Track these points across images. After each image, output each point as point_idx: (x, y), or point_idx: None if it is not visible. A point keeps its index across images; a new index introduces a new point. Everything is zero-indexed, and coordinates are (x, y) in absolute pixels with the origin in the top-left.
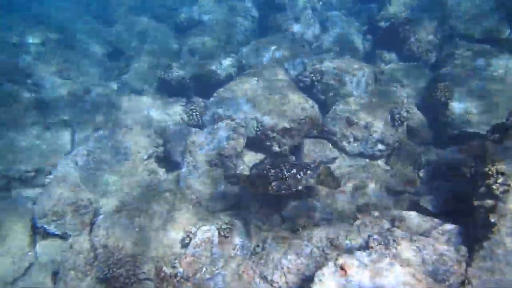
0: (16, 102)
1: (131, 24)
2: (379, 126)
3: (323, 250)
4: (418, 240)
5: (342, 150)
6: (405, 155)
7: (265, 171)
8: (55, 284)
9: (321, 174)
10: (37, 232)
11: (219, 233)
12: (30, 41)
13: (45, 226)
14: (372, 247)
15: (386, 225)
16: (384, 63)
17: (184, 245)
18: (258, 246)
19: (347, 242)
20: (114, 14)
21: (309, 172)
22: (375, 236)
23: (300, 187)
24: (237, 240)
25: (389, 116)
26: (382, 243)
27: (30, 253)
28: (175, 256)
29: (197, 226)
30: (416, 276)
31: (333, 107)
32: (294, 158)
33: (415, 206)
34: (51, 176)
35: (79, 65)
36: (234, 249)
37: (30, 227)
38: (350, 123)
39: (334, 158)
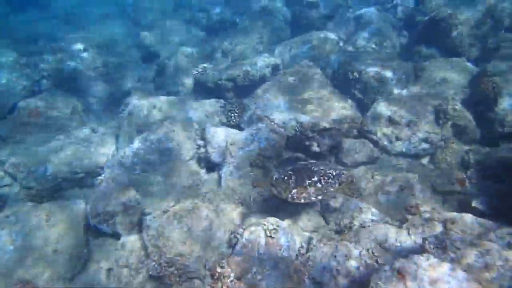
0: (65, 105)
1: (164, 28)
2: (422, 124)
3: (373, 253)
4: (479, 244)
5: (383, 149)
6: (451, 154)
7: (286, 177)
8: (109, 280)
9: (343, 182)
10: (90, 231)
11: (265, 233)
12: (76, 47)
13: (98, 225)
14: (428, 251)
15: (438, 227)
16: (423, 59)
17: (231, 246)
18: (302, 247)
19: (398, 244)
20: (147, 18)
21: (330, 180)
22: (431, 239)
23: (320, 197)
24: (283, 240)
25: (433, 113)
26: (439, 246)
27: (85, 251)
28: (222, 256)
29: (243, 227)
30: (482, 283)
31: (373, 106)
32: (333, 158)
33: (464, 207)
34: (100, 177)
35: (119, 69)
36: (280, 250)
37: (83, 226)
38: (391, 122)
39: (376, 158)
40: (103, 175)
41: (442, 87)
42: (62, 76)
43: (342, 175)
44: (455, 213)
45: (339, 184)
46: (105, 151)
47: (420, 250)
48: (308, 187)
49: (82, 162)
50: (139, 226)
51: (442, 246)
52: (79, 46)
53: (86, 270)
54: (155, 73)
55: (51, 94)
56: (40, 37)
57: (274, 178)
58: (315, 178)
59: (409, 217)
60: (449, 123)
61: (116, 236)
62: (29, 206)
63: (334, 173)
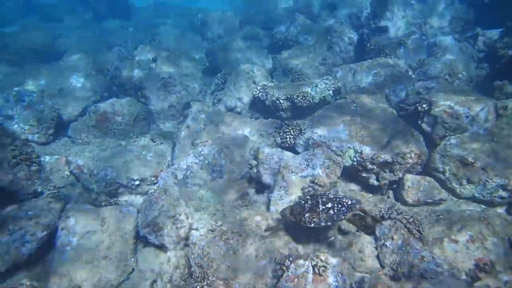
0: (129, 113)
1: (228, 43)
2: (502, 169)
3: None
4: None
5: (451, 191)
6: None
7: (303, 201)
8: None
9: (356, 213)
10: (139, 240)
11: (313, 270)
12: (145, 57)
13: (147, 235)
14: None
15: None
16: (505, 96)
17: (275, 277)
18: None
19: None
20: (214, 32)
21: (343, 208)
22: None
23: (329, 223)
24: (332, 279)
25: None
26: None
27: (132, 259)
28: (266, 286)
29: (290, 259)
30: None
31: (443, 142)
32: (392, 194)
33: None
34: (154, 187)
35: (181, 80)
36: None
37: (133, 234)
38: (464, 162)
39: (441, 199)
40: (156, 185)
41: None
42: (130, 83)
43: (356, 206)
44: None
45: (352, 215)
46: (161, 161)
47: None
48: (320, 212)
49: (139, 169)
50: (186, 242)
51: None
52: (149, 55)
53: (131, 280)
54: (215, 87)
55: (119, 100)
56: (116, 44)
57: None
58: (329, 205)
59: (482, 275)
60: None
61: (164, 248)
62: (88, 209)
63: (349, 203)
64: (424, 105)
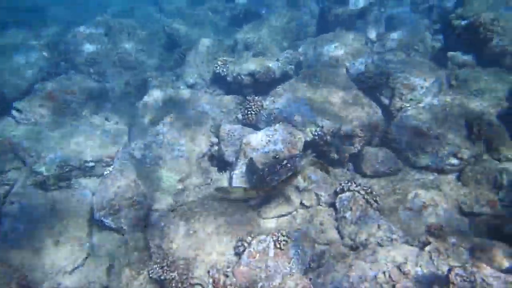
0: (81, 91)
1: (188, 16)
2: (452, 138)
3: (389, 276)
4: None
5: (407, 161)
6: (482, 172)
7: (261, 172)
8: (109, 278)
9: (308, 160)
10: (94, 224)
11: (274, 244)
12: (93, 31)
13: (103, 219)
14: (454, 284)
15: (464, 255)
16: (458, 66)
17: (238, 253)
18: (313, 261)
19: (418, 269)
20: (172, 5)
21: (297, 158)
22: (459, 271)
23: (289, 173)
24: (293, 253)
25: (465, 127)
26: (468, 280)
27: (87, 244)
28: (228, 264)
29: (252, 235)
30: None
31: (400, 114)
32: (352, 167)
33: (495, 233)
34: (109, 168)
35: (138, 56)
36: (289, 263)
37: (88, 218)
38: (419, 132)
39: (398, 170)
40: (112, 166)
41: (478, 99)
42: (81, 59)
43: (308, 152)
44: (485, 240)
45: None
46: (117, 141)
47: (445, 280)
48: (279, 170)
49: (93, 151)
50: (145, 222)
51: (471, 281)
52: (100, 29)
53: (87, 265)
54: (175, 62)
55: (68, 77)
56: (65, 20)
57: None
58: (285, 161)
59: (432, 239)
60: (483, 138)
61: (121, 231)
62: (36, 194)
63: (300, 153)
64: (382, 78)
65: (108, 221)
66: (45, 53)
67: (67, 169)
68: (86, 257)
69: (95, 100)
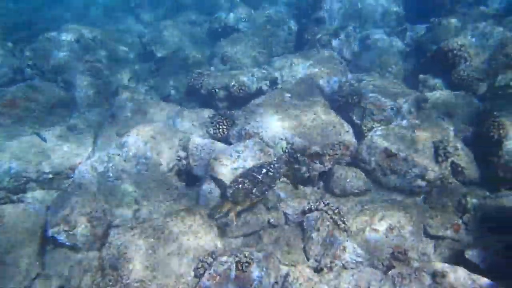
0: (46, 99)
1: (165, 27)
2: (420, 160)
3: None
4: None
5: (376, 181)
6: (447, 195)
7: (240, 185)
8: None
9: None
10: (47, 241)
11: (236, 266)
12: (63, 37)
13: (56, 235)
14: None
15: (427, 280)
16: (428, 89)
17: (198, 275)
18: (276, 283)
19: None
20: (150, 14)
21: (277, 165)
22: None
23: (273, 184)
24: (256, 275)
25: (432, 149)
26: None
27: (37, 263)
28: (187, 287)
29: (213, 256)
30: None
31: (370, 134)
32: (322, 185)
33: (457, 257)
34: (68, 181)
35: (110, 65)
36: (251, 285)
37: (40, 235)
38: (387, 153)
39: (367, 190)
40: (71, 179)
41: (444, 122)
42: (48, 66)
43: (282, 157)
44: (446, 265)
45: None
46: (80, 152)
47: None
48: (262, 180)
49: (53, 161)
50: (103, 240)
51: None
52: (71, 36)
53: (34, 285)
54: (148, 73)
55: (32, 84)
56: (35, 24)
57: (229, 194)
58: (264, 170)
59: (396, 263)
60: (449, 161)
61: (76, 249)
62: None
63: (276, 160)
64: (354, 97)
65: (62, 238)
66: (10, 58)
67: (22, 181)
68: (35, 278)
69: (60, 109)
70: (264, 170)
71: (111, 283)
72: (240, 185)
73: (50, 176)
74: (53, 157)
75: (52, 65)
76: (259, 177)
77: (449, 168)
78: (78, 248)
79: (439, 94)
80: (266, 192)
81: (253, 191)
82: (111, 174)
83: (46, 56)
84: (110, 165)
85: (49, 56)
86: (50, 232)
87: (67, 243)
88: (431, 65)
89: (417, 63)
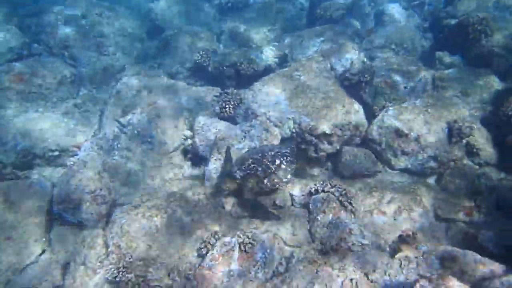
0: (52, 74)
1: (175, 2)
2: (433, 140)
3: (356, 284)
4: None
5: (386, 163)
6: (461, 177)
7: (252, 171)
8: (64, 276)
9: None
10: (53, 218)
11: (239, 247)
12: (70, 12)
13: (62, 212)
14: None
15: (435, 264)
16: (445, 66)
17: (201, 255)
18: (281, 264)
19: (386, 278)
20: None
21: (289, 158)
22: (424, 283)
23: (289, 176)
24: (259, 256)
25: (446, 129)
26: None
27: (44, 239)
28: (190, 266)
29: (216, 236)
30: None
31: (381, 114)
32: (331, 166)
33: (469, 241)
34: (73, 159)
35: (117, 41)
36: (254, 266)
37: (46, 211)
38: (399, 133)
39: (376, 171)
40: (77, 156)
41: (461, 101)
42: (55, 41)
43: (293, 146)
44: (456, 249)
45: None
46: (85, 130)
47: None
48: (275, 171)
49: (60, 139)
50: (107, 218)
51: None
52: (78, 11)
53: (41, 262)
54: (156, 50)
55: (40, 60)
56: None
57: (239, 177)
58: (277, 161)
59: (404, 246)
60: (463, 142)
61: (81, 227)
62: None
63: (288, 149)
64: (366, 76)
65: (67, 215)
66: (17, 33)
67: (29, 157)
68: (41, 254)
69: (67, 85)
70: (278, 161)
71: (114, 262)
72: (252, 171)
73: (56, 153)
74: (60, 134)
75: (59, 40)
76: (272, 167)
77: (464, 149)
78: (83, 225)
79: (457, 71)
80: (277, 186)
81: (265, 181)
82: (117, 153)
83: (53, 32)
84: (115, 143)
85: (55, 32)
86: (56, 209)
87: (72, 220)
88: (449, 41)
89: (435, 39)
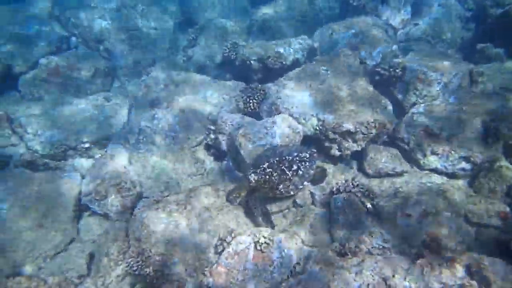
0: (87, 67)
1: None
2: (466, 140)
3: None
4: None
5: (414, 163)
6: (496, 179)
7: (267, 176)
8: (89, 266)
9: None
10: (82, 208)
11: (255, 246)
12: (105, 6)
13: (89, 204)
14: None
15: (460, 272)
16: (486, 60)
17: (218, 252)
18: (298, 264)
19: (406, 284)
20: None
21: (307, 164)
22: None
23: (305, 182)
24: (276, 255)
25: (482, 128)
26: None
27: (73, 229)
28: (206, 263)
29: (233, 234)
30: None
31: (411, 111)
32: (355, 165)
33: (502, 249)
34: (101, 152)
35: (149, 33)
36: (271, 266)
37: (75, 202)
38: (429, 132)
39: (403, 171)
40: (105, 149)
41: (500, 98)
42: (91, 35)
43: (314, 154)
44: (484, 257)
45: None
46: (115, 123)
47: None
48: (291, 177)
49: (91, 131)
50: (131, 211)
51: None
52: (113, 4)
53: (69, 250)
54: (187, 43)
55: (76, 53)
56: None
57: (253, 180)
58: (295, 167)
59: (427, 252)
60: (501, 142)
61: (108, 218)
62: (21, 173)
63: (307, 155)
64: (397, 70)
65: (94, 206)
66: (56, 27)
67: (62, 149)
68: (70, 242)
69: (101, 78)
70: (295, 167)
71: (133, 255)
72: (267, 176)
73: (87, 145)
74: (91, 126)
75: (95, 33)
76: (289, 173)
77: (501, 150)
78: (109, 217)
79: (499, 65)
80: (292, 189)
81: (279, 187)
82: (142, 146)
83: (89, 25)
84: (141, 137)
85: (92, 25)
86: (83, 200)
87: (99, 211)
88: (494, 33)
89: (478, 30)
